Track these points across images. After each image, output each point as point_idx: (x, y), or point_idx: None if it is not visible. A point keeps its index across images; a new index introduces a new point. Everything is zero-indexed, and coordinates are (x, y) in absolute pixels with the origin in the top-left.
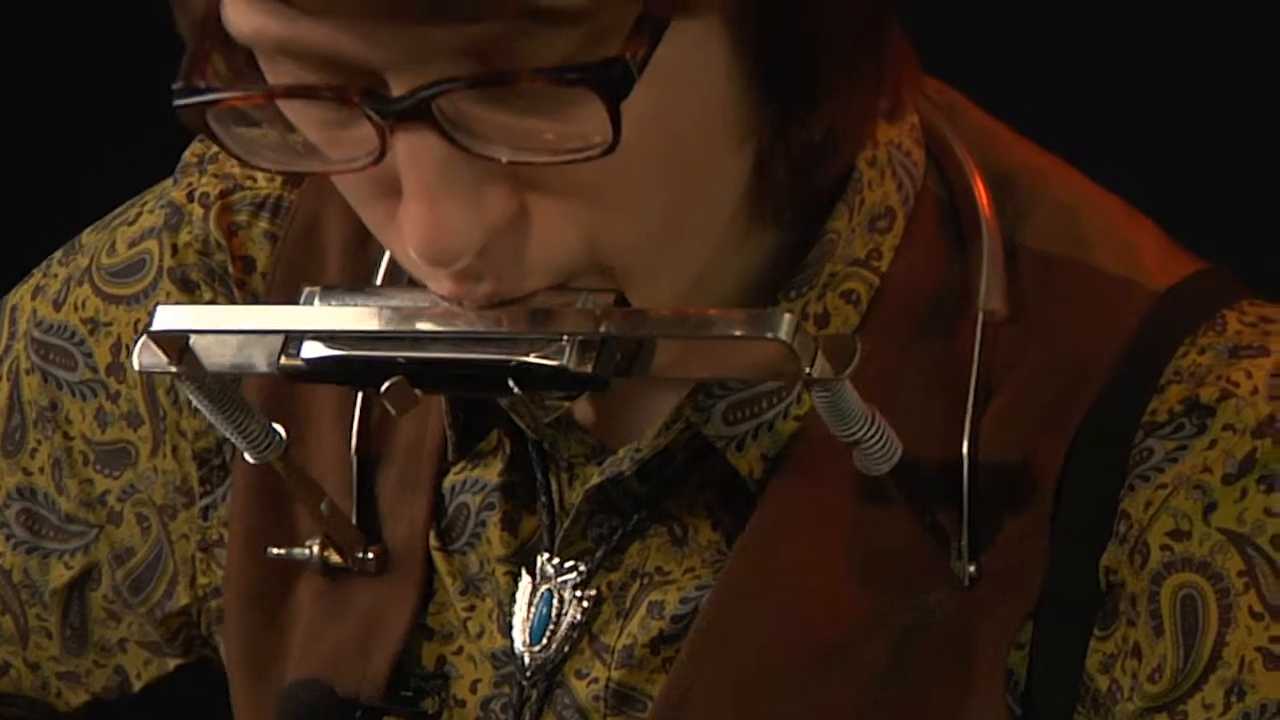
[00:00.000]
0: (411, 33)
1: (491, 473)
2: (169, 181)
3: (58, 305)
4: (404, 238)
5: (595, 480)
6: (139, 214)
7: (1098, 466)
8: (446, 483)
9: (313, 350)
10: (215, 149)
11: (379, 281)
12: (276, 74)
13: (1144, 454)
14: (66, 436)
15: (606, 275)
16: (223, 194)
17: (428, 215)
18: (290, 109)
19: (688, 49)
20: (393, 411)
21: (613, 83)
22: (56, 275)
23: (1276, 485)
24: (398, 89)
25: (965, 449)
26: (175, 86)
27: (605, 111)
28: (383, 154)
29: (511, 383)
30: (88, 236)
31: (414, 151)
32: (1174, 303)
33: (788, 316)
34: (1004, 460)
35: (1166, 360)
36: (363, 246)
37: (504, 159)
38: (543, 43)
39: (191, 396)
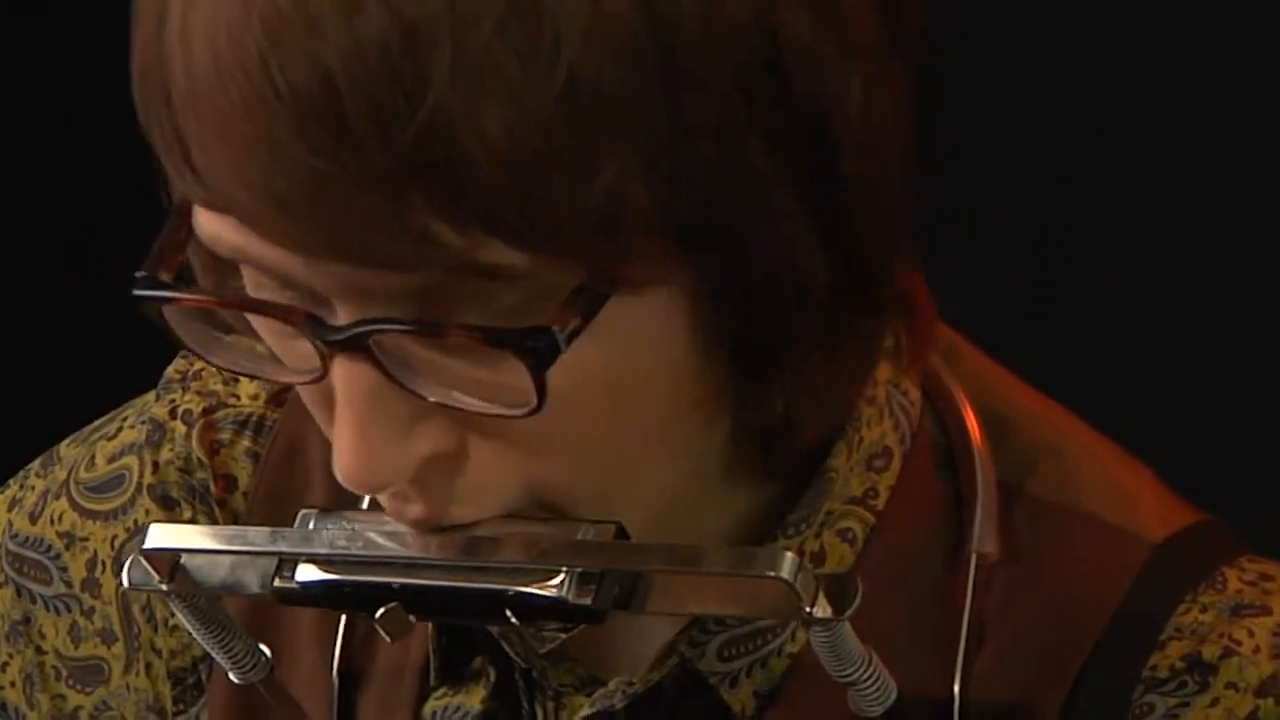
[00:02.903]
0: (352, 271)
1: (474, 699)
2: (150, 396)
3: (34, 518)
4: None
5: (585, 712)
6: (119, 429)
7: (1097, 718)
8: (427, 708)
9: (307, 574)
10: (199, 366)
11: (366, 501)
12: (247, 275)
13: (1144, 709)
14: (39, 651)
15: (550, 512)
16: (206, 411)
17: (354, 443)
18: (249, 314)
19: (638, 318)
20: (386, 638)
21: (537, 352)
22: (34, 487)
23: None
24: (341, 317)
25: (957, 691)
26: (138, 274)
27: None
28: (323, 374)
29: (509, 612)
30: (66, 449)
31: (349, 379)
32: (1172, 556)
33: (790, 555)
34: (998, 705)
35: (1167, 616)
36: None
37: (431, 398)
38: (482, 295)
39: (180, 615)
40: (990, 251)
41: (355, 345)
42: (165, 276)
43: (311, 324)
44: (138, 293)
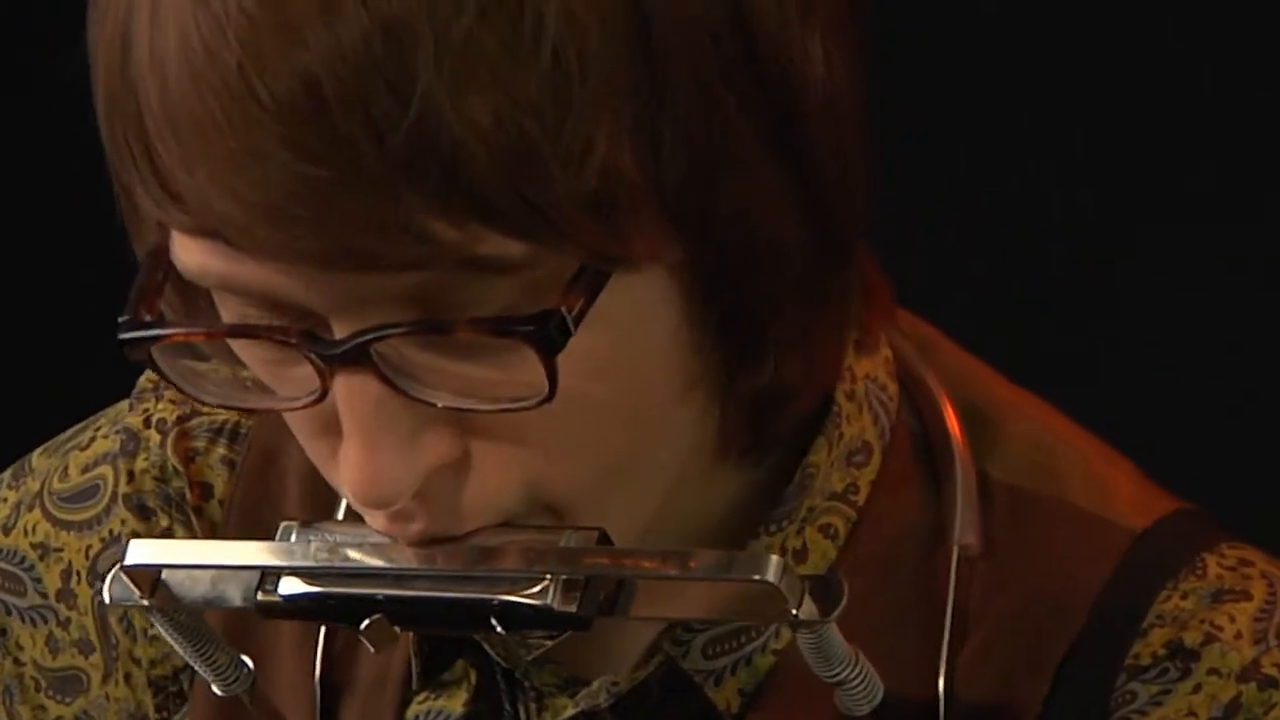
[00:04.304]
0: (349, 279)
1: (456, 703)
2: (123, 405)
3: (7, 530)
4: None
5: (569, 712)
6: (92, 438)
7: (1079, 709)
8: (410, 713)
9: (291, 587)
10: None
11: (341, 512)
12: (226, 309)
13: (1127, 697)
14: (17, 663)
15: (549, 514)
16: (180, 419)
17: (364, 458)
18: (237, 345)
19: (635, 299)
20: (372, 649)
21: (548, 336)
22: (6, 499)
23: None
24: (339, 331)
25: (942, 686)
26: (121, 319)
27: (541, 364)
28: (324, 394)
29: (494, 621)
30: (38, 460)
31: (352, 394)
32: (1152, 544)
33: (775, 559)
34: (982, 698)
35: (1148, 604)
36: (323, 476)
37: (440, 404)
38: (482, 291)
39: (161, 629)
40: (991, 250)
41: (357, 356)
42: (149, 317)
43: (309, 341)
44: (124, 336)
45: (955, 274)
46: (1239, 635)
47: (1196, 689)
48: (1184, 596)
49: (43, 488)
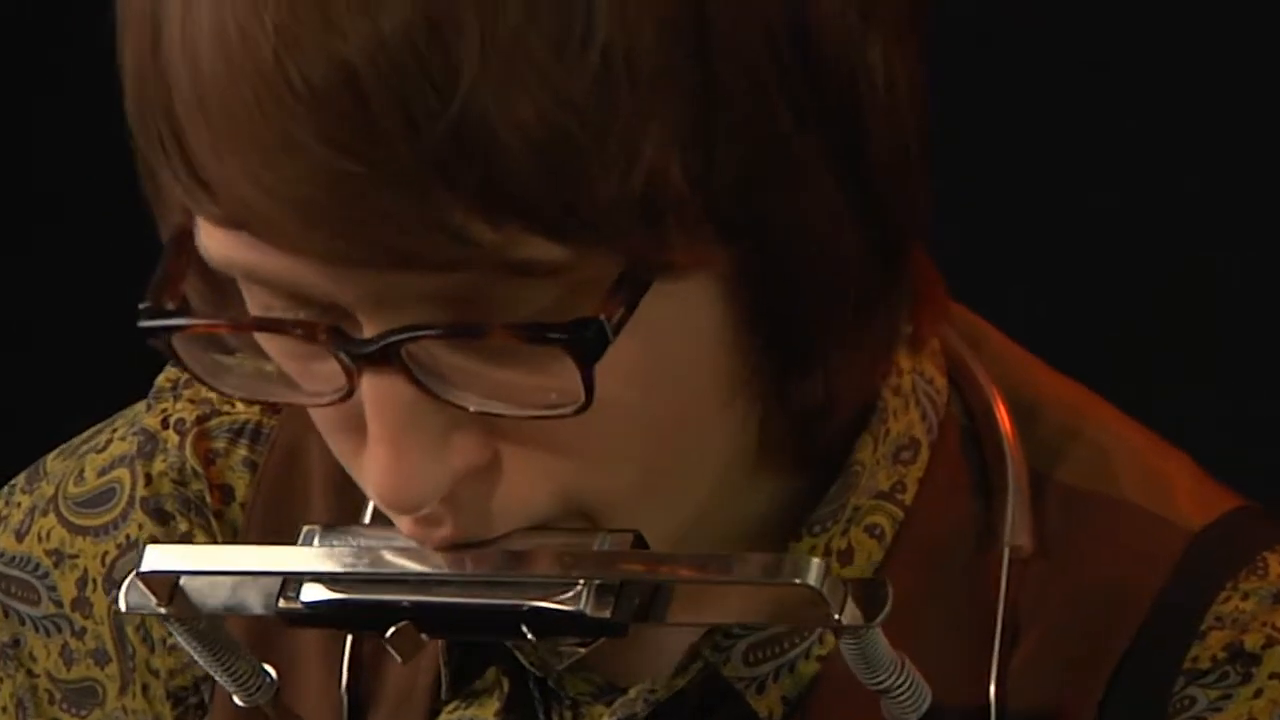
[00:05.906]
0: (381, 278)
1: (488, 712)
2: (141, 406)
3: (20, 536)
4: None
5: None
6: (109, 440)
7: (1135, 714)
8: None
9: (313, 593)
10: None
11: (369, 515)
12: (252, 297)
13: (1185, 702)
14: (30, 674)
15: (582, 519)
16: (199, 420)
17: (391, 461)
18: (261, 338)
19: (679, 306)
20: (398, 658)
21: (586, 344)
22: (19, 504)
23: None
24: (368, 329)
25: (993, 691)
26: (142, 306)
27: (578, 371)
28: (351, 392)
29: (525, 628)
30: (53, 463)
31: (381, 394)
32: (1210, 543)
33: (816, 561)
34: (1034, 704)
35: (1207, 605)
36: (349, 478)
37: (471, 408)
38: (518, 294)
39: (180, 638)
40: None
41: (387, 357)
42: (170, 305)
43: (337, 339)
44: (144, 324)
45: (1007, 267)
46: None
47: (1258, 694)
48: (1244, 597)
49: (57, 492)
